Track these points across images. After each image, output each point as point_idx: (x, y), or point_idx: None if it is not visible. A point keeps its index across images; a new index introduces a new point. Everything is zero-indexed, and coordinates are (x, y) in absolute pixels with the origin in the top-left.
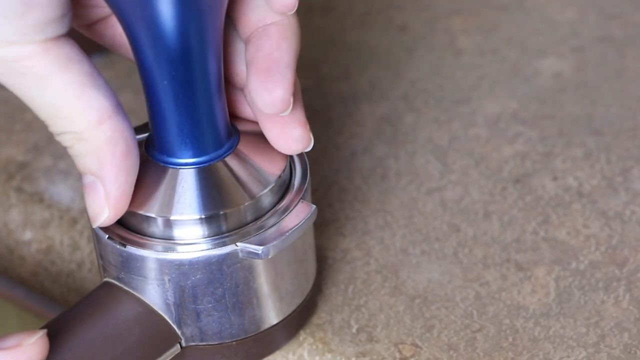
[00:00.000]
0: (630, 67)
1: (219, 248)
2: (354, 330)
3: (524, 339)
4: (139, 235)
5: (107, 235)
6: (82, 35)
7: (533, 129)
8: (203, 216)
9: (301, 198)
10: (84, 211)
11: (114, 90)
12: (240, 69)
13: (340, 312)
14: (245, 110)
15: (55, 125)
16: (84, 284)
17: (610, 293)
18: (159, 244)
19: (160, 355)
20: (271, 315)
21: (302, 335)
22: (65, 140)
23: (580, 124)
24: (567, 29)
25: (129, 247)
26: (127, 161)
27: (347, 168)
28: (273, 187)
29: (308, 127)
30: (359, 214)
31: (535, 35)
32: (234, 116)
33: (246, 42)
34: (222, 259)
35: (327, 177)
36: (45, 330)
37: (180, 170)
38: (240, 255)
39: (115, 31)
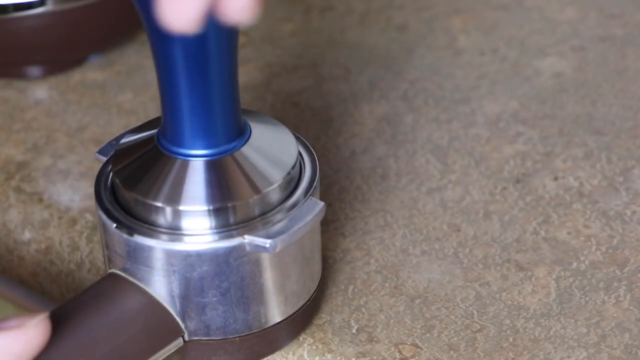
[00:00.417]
0: (631, 67)
1: (227, 240)
2: (354, 331)
3: (525, 339)
4: (146, 225)
5: (114, 225)
6: (81, 36)
7: (533, 129)
8: (211, 208)
9: (310, 194)
10: (83, 211)
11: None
12: None
13: (340, 312)
14: None
15: None
16: (84, 284)
17: (611, 293)
18: (166, 234)
19: (162, 347)
20: (276, 312)
21: (302, 335)
22: None
23: (580, 124)
24: (568, 28)
25: (137, 236)
26: None
27: (347, 168)
28: (282, 183)
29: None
30: (359, 214)
31: (535, 35)
32: (246, 110)
33: None
34: (229, 251)
35: (327, 177)
36: (47, 313)
37: (191, 161)
38: (248, 248)
39: None
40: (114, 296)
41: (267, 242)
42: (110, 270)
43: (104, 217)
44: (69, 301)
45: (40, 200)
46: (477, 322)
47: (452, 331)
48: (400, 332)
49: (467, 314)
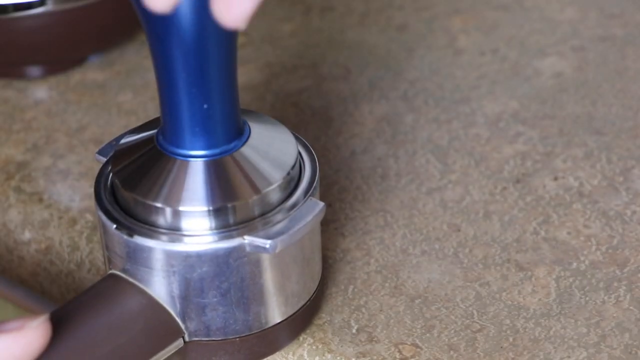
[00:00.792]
0: (631, 67)
1: (227, 241)
2: (354, 331)
3: (525, 339)
4: (146, 226)
5: (114, 225)
6: (81, 36)
7: (533, 129)
8: (211, 208)
9: (310, 195)
10: (83, 211)
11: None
12: None
13: (340, 312)
14: None
15: None
16: (83, 284)
17: (611, 293)
18: (166, 235)
19: (162, 348)
20: (276, 312)
21: (302, 335)
22: None
23: (580, 124)
24: (568, 28)
25: (136, 237)
26: None
27: (347, 168)
28: (282, 183)
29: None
30: (359, 214)
31: (535, 35)
32: (246, 110)
33: None
34: (229, 252)
35: (327, 177)
36: (47, 315)
37: (190, 162)
38: (248, 249)
39: None
40: (114, 297)
41: (267, 243)
42: (110, 271)
43: (103, 218)
44: (69, 302)
45: (40, 200)
46: (477, 322)
47: (452, 331)
48: (400, 332)
49: (467, 314)
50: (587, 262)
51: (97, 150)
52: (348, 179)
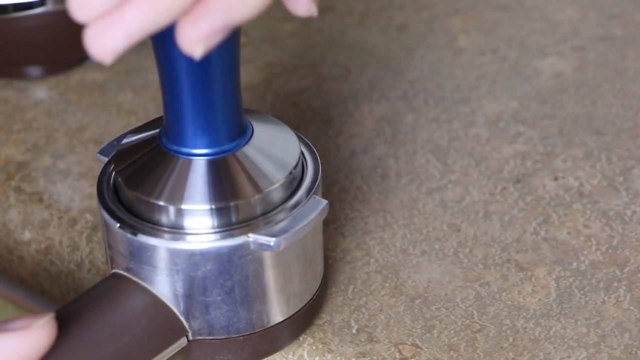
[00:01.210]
0: (631, 67)
1: (231, 238)
2: (354, 331)
3: (525, 339)
4: (150, 225)
5: (118, 224)
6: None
7: (533, 129)
8: (214, 207)
9: (313, 193)
10: (83, 211)
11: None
12: None
13: (340, 312)
14: None
15: None
16: (83, 284)
17: (611, 293)
18: (170, 233)
19: (167, 347)
20: (279, 311)
21: (302, 335)
22: None
23: (580, 124)
24: (568, 28)
25: (140, 235)
26: None
27: (347, 168)
28: (284, 182)
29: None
30: (359, 214)
31: (535, 35)
32: (248, 110)
33: None
34: (233, 250)
35: (327, 177)
36: (53, 314)
37: (193, 160)
38: (252, 246)
39: None
40: (117, 296)
41: (272, 240)
42: (114, 270)
43: (107, 216)
44: (73, 301)
45: (40, 200)
46: (477, 322)
47: (452, 331)
48: (400, 332)
49: (467, 314)
50: (587, 262)
51: (97, 150)
52: (348, 179)
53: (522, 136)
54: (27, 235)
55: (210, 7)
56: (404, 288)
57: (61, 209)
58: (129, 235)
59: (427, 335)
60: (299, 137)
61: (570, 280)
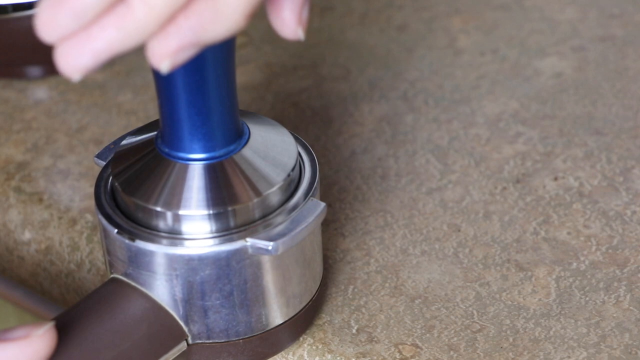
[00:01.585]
0: (631, 67)
1: (229, 243)
2: (354, 331)
3: (525, 339)
4: (148, 230)
5: (115, 230)
6: None
7: (533, 129)
8: (212, 212)
9: (311, 195)
10: (83, 211)
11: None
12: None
13: (340, 312)
14: None
15: None
16: (83, 284)
17: (611, 293)
18: (167, 239)
19: (167, 351)
20: (279, 313)
21: (302, 335)
22: None
23: (580, 124)
24: (568, 28)
25: (138, 241)
26: None
27: (347, 168)
28: (282, 184)
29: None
30: (359, 214)
31: (535, 35)
32: (244, 112)
33: None
34: (232, 254)
35: (327, 177)
36: (53, 322)
37: (190, 165)
38: (250, 251)
39: None
40: (117, 301)
41: (270, 245)
42: (112, 275)
43: (104, 222)
44: (72, 308)
45: (40, 200)
46: (477, 322)
47: (452, 331)
48: (400, 332)
49: (467, 314)
50: (587, 262)
51: (97, 150)
52: (348, 179)
53: (522, 136)
54: (27, 235)
55: (181, 24)
56: (404, 288)
57: (61, 209)
58: (127, 241)
59: (427, 335)
60: (297, 139)
61: (570, 280)
